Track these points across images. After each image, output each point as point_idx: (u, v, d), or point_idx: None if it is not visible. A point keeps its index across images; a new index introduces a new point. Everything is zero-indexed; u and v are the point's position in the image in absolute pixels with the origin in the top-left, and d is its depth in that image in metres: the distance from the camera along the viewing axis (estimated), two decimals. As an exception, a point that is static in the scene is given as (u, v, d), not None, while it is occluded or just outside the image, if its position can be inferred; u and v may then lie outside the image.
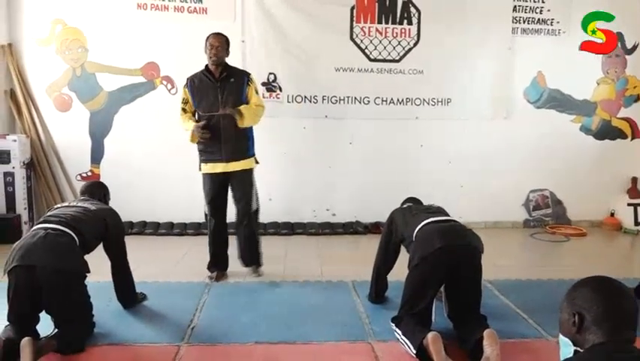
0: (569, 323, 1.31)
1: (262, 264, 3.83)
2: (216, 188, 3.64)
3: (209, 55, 3.50)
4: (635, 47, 5.42)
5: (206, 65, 3.57)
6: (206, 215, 3.76)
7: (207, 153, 3.59)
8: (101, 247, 2.97)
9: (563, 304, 1.35)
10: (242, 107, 3.49)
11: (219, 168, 3.58)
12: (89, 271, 2.64)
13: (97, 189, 3.28)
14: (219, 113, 3.46)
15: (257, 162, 3.71)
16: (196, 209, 4.99)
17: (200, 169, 3.66)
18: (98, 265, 2.91)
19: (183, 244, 4.65)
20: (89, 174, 5.05)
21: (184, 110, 3.60)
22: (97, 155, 5.04)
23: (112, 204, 3.29)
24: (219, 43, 3.49)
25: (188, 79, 3.60)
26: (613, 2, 5.29)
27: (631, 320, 1.26)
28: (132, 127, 5.01)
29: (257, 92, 3.64)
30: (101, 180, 4.73)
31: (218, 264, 3.75)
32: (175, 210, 5.08)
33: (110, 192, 3.37)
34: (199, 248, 4.53)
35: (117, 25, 4.86)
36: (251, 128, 3.64)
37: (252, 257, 3.80)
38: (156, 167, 5.03)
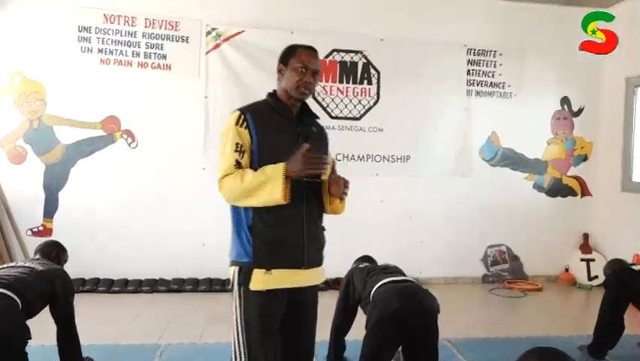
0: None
1: None
2: (279, 316, 2.04)
3: (301, 82, 2.01)
4: (581, 110, 5.73)
5: (274, 94, 2.12)
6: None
7: (277, 248, 1.98)
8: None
9: None
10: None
11: (295, 280, 2.04)
12: (29, 337, 2.48)
13: (50, 249, 3.12)
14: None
15: None
16: (151, 263, 4.93)
17: (243, 283, 1.98)
18: (43, 327, 2.76)
19: (137, 302, 4.47)
20: (41, 228, 4.85)
21: (238, 163, 1.96)
22: (50, 208, 4.87)
23: (64, 260, 3.16)
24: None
25: (242, 112, 2.04)
26: (561, 68, 5.62)
27: None
28: (89, 180, 4.89)
29: None
30: (54, 234, 4.59)
31: None
32: (129, 265, 4.90)
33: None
34: (153, 307, 4.39)
35: (79, 80, 4.83)
36: None
37: None
38: (112, 221, 4.89)
